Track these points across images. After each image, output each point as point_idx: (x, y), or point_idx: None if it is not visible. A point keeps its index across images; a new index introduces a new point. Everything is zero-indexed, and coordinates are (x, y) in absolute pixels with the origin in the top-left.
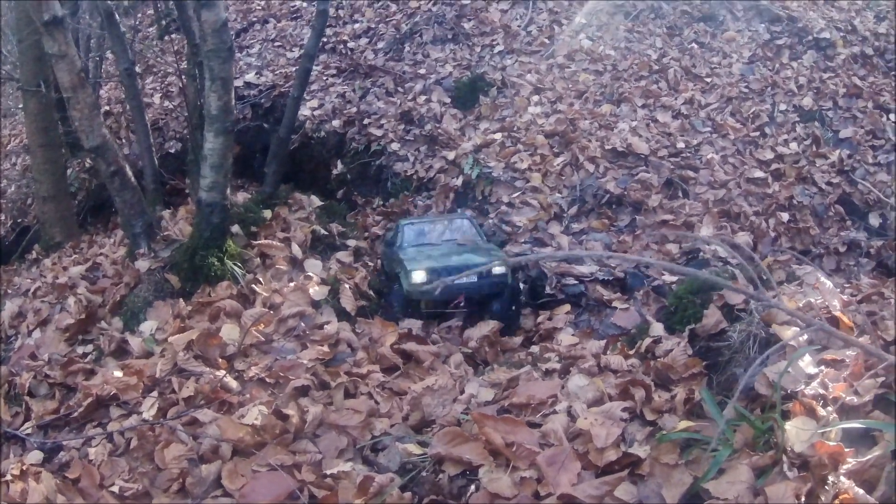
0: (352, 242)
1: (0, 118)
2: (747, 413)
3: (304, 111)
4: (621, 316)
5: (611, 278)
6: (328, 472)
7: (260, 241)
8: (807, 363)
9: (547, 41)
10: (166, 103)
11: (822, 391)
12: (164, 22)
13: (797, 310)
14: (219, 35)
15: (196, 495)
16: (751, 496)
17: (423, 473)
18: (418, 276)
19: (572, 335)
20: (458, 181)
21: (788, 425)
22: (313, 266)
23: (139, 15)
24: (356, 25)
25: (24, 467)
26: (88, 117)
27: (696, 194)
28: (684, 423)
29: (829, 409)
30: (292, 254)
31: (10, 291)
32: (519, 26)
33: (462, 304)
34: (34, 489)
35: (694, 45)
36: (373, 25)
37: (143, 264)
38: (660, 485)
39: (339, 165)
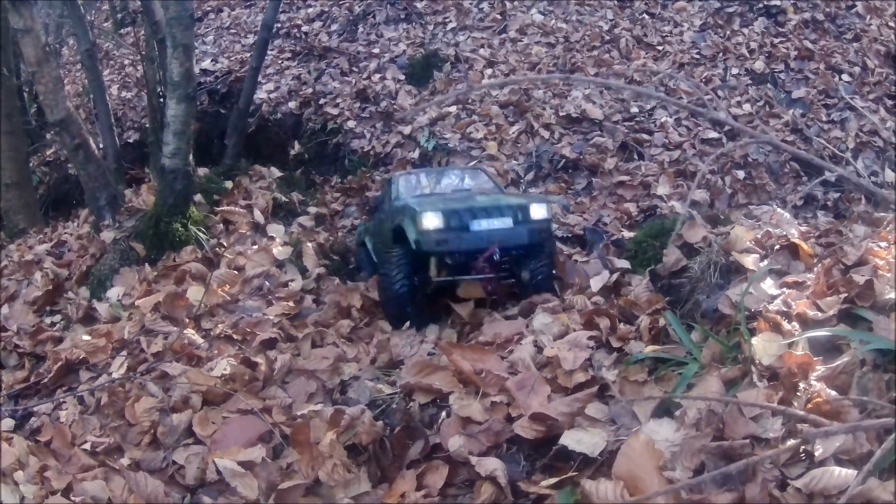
0: (312, 209)
1: None
2: (711, 334)
3: (261, 94)
4: (583, 266)
5: (570, 235)
6: (299, 413)
7: (222, 208)
8: (768, 285)
9: (499, 17)
10: (124, 93)
11: (785, 309)
12: (119, 15)
13: (756, 239)
14: (181, 2)
15: (168, 445)
16: (722, 406)
17: (394, 406)
18: (430, 221)
19: None
20: (415, 154)
21: (755, 340)
22: (276, 230)
23: (93, 12)
24: (309, 10)
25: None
26: (53, 91)
27: (651, 156)
28: (651, 348)
29: (794, 324)
30: (254, 219)
31: None
32: (471, 4)
33: (495, 259)
34: (6, 452)
35: (645, 15)
36: (326, 9)
37: (108, 235)
38: (630, 402)
39: (297, 146)
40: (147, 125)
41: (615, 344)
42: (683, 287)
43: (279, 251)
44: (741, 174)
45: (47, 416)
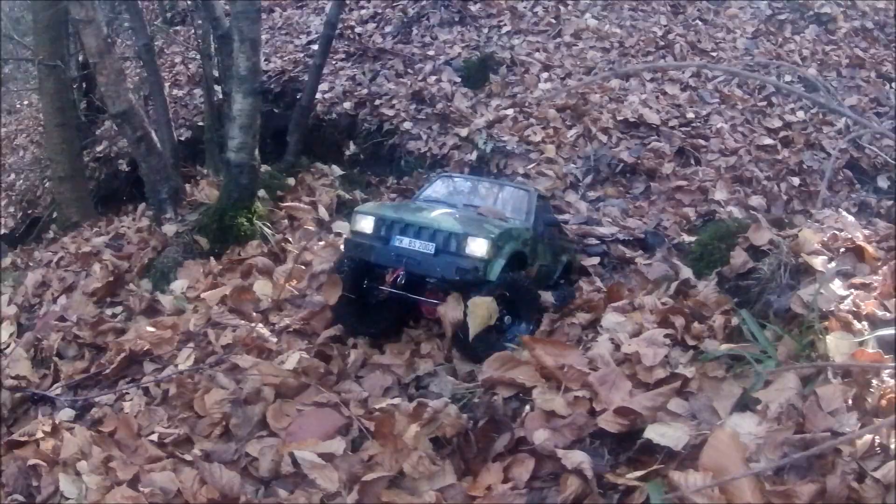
0: None
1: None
2: (787, 332)
3: (301, 99)
4: (647, 269)
5: (630, 238)
6: (377, 406)
7: (287, 204)
8: (837, 286)
9: (553, 21)
10: (175, 91)
11: (854, 309)
12: (168, 14)
13: (823, 241)
14: None
15: (240, 437)
16: (800, 401)
17: (475, 400)
18: (362, 223)
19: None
20: (472, 156)
21: (828, 338)
22: (341, 227)
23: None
24: (363, 11)
25: (57, 423)
26: (115, 82)
27: (707, 161)
28: (726, 346)
29: (863, 323)
30: (319, 216)
31: (31, 265)
32: (525, 7)
33: (400, 280)
34: (68, 441)
35: (698, 21)
36: (379, 10)
37: (169, 228)
38: (710, 398)
39: (352, 146)
40: (199, 123)
41: (690, 342)
42: (751, 288)
43: None
44: (796, 181)
45: (109, 407)
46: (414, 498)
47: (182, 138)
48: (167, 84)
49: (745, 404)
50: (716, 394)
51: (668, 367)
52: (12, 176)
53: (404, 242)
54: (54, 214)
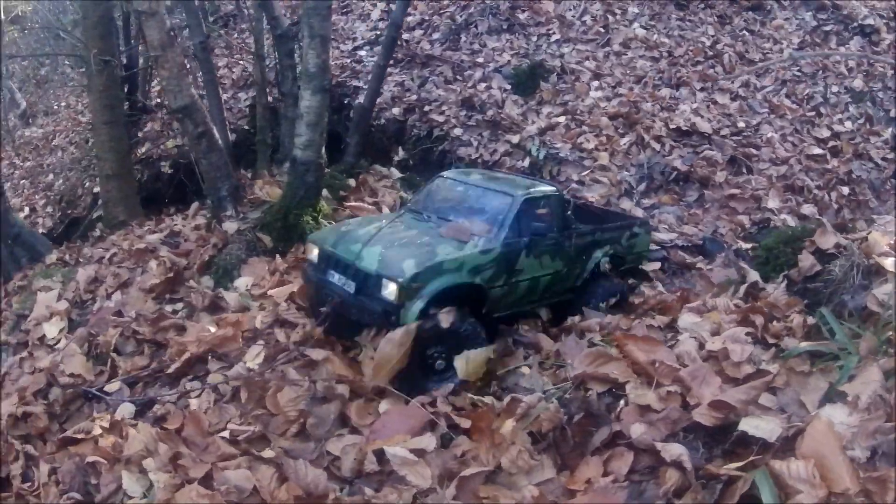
0: None
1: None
2: (867, 329)
3: (363, 100)
4: (711, 273)
5: (689, 244)
6: (467, 399)
7: (351, 204)
8: None
9: (602, 30)
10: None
11: None
12: (211, 18)
13: (890, 244)
14: None
15: (318, 435)
16: (885, 392)
17: (567, 395)
18: (311, 252)
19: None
20: (525, 163)
21: None
22: None
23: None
24: (410, 18)
25: (119, 419)
26: (177, 77)
27: (759, 170)
28: (805, 343)
29: None
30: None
31: (80, 261)
32: (573, 16)
33: (326, 315)
34: (132, 438)
35: (745, 32)
36: (426, 17)
37: (230, 226)
38: (797, 392)
39: (401, 152)
40: (244, 126)
41: (770, 340)
42: (820, 290)
43: None
44: (846, 190)
45: (173, 404)
46: (513, 493)
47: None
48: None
49: (830, 397)
50: (802, 388)
51: (752, 364)
52: (51, 176)
53: (335, 278)
54: (99, 213)
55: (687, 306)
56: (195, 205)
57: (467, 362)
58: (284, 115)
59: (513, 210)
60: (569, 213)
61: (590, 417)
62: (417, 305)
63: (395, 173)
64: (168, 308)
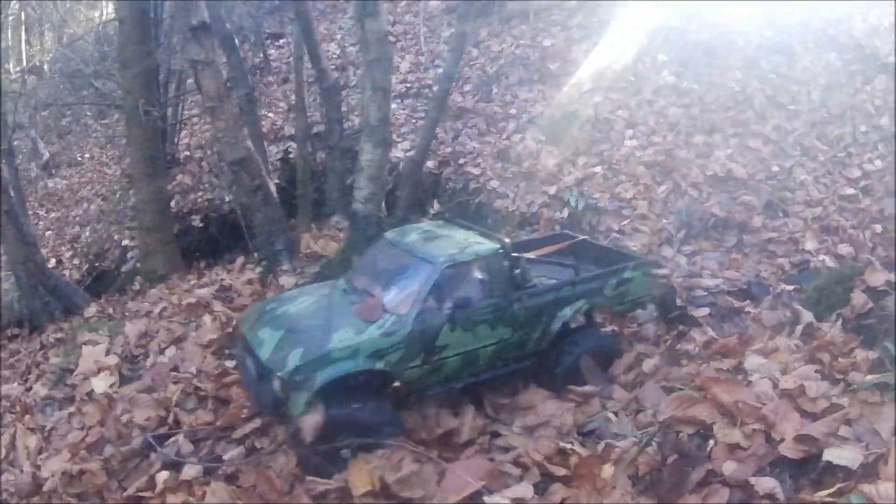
0: None
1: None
2: None
3: (397, 153)
4: (762, 315)
5: (734, 289)
6: (554, 447)
7: None
8: None
9: (632, 79)
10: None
11: None
12: None
13: None
14: (382, 44)
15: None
16: None
17: (656, 439)
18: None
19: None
20: (564, 213)
21: None
22: None
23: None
24: (439, 70)
25: (187, 478)
26: (233, 128)
27: (795, 213)
28: (871, 377)
29: None
30: None
31: (126, 314)
32: (604, 66)
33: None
34: (209, 497)
35: (772, 75)
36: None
37: (288, 280)
38: (870, 422)
39: (436, 205)
40: (276, 181)
41: (837, 376)
42: (874, 326)
43: None
44: (879, 228)
45: (242, 461)
46: None
47: None
48: None
49: None
50: (876, 418)
51: (826, 399)
52: (77, 228)
53: (248, 363)
54: (130, 266)
55: (750, 349)
56: (241, 259)
57: (354, 470)
58: (332, 169)
59: (430, 281)
60: (518, 271)
61: (683, 458)
62: (303, 398)
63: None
64: (228, 364)
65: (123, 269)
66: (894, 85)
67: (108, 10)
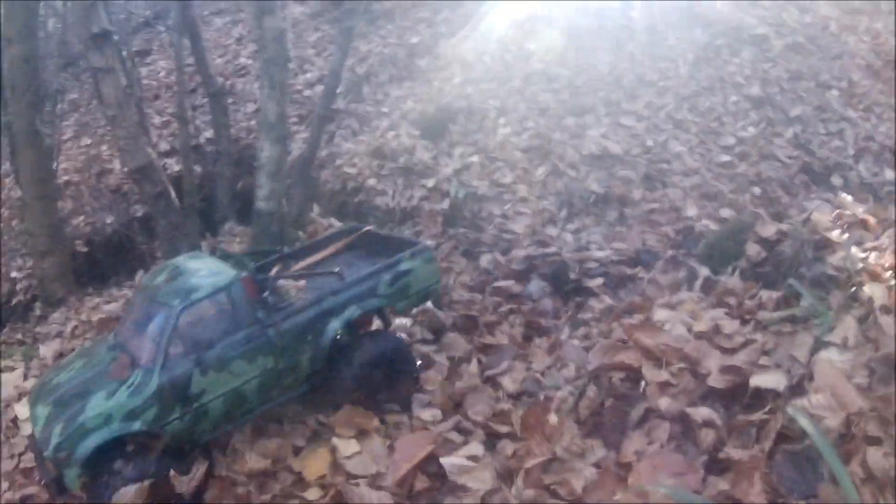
0: None
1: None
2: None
3: (304, 151)
4: (657, 278)
5: (625, 258)
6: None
7: None
8: (856, 251)
9: (501, 69)
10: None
11: (879, 263)
12: None
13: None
14: (278, 42)
15: None
16: (862, 338)
17: (591, 386)
18: None
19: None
20: (445, 204)
21: (866, 287)
22: None
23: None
24: (308, 75)
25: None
26: (133, 136)
27: (673, 183)
28: (779, 313)
29: (889, 272)
30: None
31: (37, 338)
32: (473, 56)
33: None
34: None
35: (641, 55)
36: (325, 72)
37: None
38: (787, 349)
39: (316, 207)
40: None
41: (746, 317)
42: (770, 272)
43: None
44: (757, 190)
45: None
46: (575, 474)
47: (138, 214)
48: (118, 159)
49: (818, 348)
50: (791, 345)
51: (741, 336)
52: None
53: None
54: (20, 297)
55: (657, 303)
56: (140, 273)
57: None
58: (221, 175)
59: (168, 328)
60: (267, 294)
61: (620, 400)
62: (73, 472)
63: (336, 223)
64: None
65: (15, 298)
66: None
67: None
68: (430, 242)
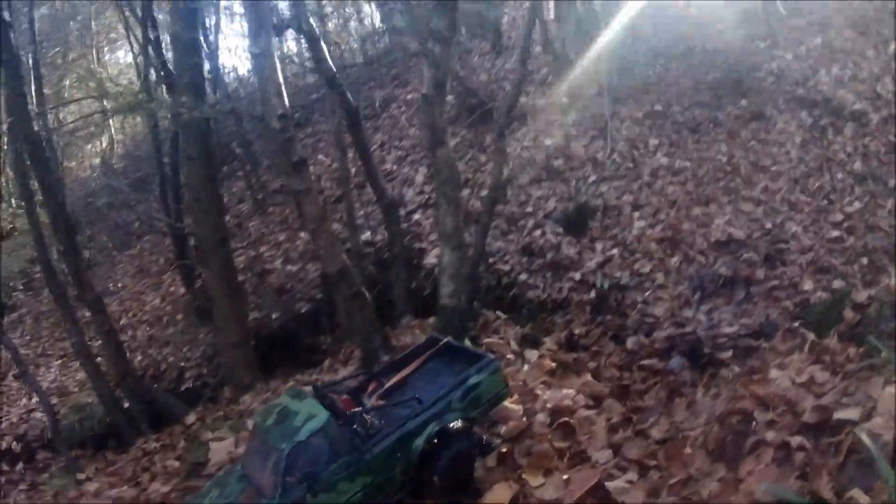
0: (546, 339)
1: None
2: None
3: (430, 260)
4: (776, 346)
5: (750, 332)
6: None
7: (488, 340)
8: None
9: (631, 166)
10: (289, 267)
11: None
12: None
13: None
14: (451, 168)
15: None
16: None
17: (714, 428)
18: None
19: None
20: (592, 294)
21: None
22: (531, 354)
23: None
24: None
25: None
26: (331, 245)
27: (791, 261)
28: (861, 363)
29: None
30: (512, 348)
31: (242, 415)
32: (603, 157)
33: None
34: None
35: (753, 142)
36: (469, 176)
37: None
38: (865, 389)
39: (475, 303)
40: (317, 296)
41: (837, 369)
42: (862, 332)
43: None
44: (865, 260)
45: None
46: (704, 486)
47: (302, 310)
48: (279, 260)
49: (886, 385)
50: (868, 386)
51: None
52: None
53: None
54: (188, 385)
55: (772, 365)
56: (327, 361)
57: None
58: (397, 276)
59: (280, 465)
60: (357, 426)
61: (737, 435)
62: None
63: (502, 315)
64: None
65: (184, 385)
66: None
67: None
68: (493, 356)
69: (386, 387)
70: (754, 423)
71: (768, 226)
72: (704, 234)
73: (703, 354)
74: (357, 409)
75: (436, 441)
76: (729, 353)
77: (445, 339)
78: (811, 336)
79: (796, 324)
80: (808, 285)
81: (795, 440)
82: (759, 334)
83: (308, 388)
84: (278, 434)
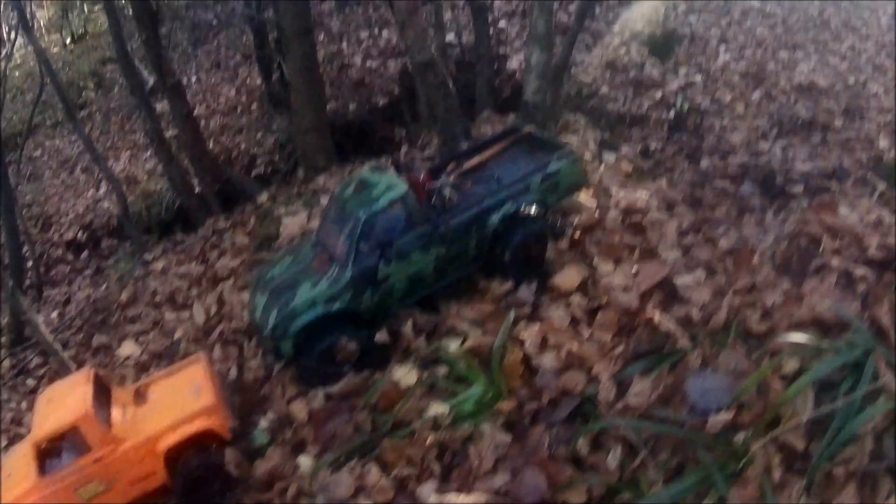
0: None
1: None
2: None
3: (513, 64)
4: (847, 189)
5: (823, 173)
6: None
7: (567, 140)
8: None
9: (721, 3)
10: (368, 63)
11: None
12: None
13: None
14: None
15: None
16: None
17: (783, 244)
18: None
19: None
20: (670, 114)
21: None
22: (610, 157)
23: None
24: None
25: None
26: (421, 37)
27: (869, 118)
28: None
29: None
30: (589, 148)
31: (315, 192)
32: None
33: None
34: None
35: (846, 2)
36: None
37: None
38: None
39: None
40: (395, 91)
41: None
42: None
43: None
44: None
45: None
46: (768, 295)
47: (379, 104)
48: (360, 56)
49: None
50: None
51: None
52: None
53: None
54: (256, 171)
55: (842, 202)
56: (405, 147)
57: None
58: (481, 73)
59: (356, 233)
60: (435, 199)
61: (804, 255)
62: (288, 344)
63: (581, 117)
64: None
65: (255, 169)
66: None
67: None
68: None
69: (466, 167)
70: (821, 247)
71: (850, 81)
72: (788, 77)
73: (774, 185)
74: (435, 184)
75: (512, 220)
76: (800, 188)
77: (528, 127)
78: (882, 185)
79: (868, 174)
80: (883, 143)
81: (859, 270)
82: (831, 176)
83: (388, 163)
84: (356, 203)
